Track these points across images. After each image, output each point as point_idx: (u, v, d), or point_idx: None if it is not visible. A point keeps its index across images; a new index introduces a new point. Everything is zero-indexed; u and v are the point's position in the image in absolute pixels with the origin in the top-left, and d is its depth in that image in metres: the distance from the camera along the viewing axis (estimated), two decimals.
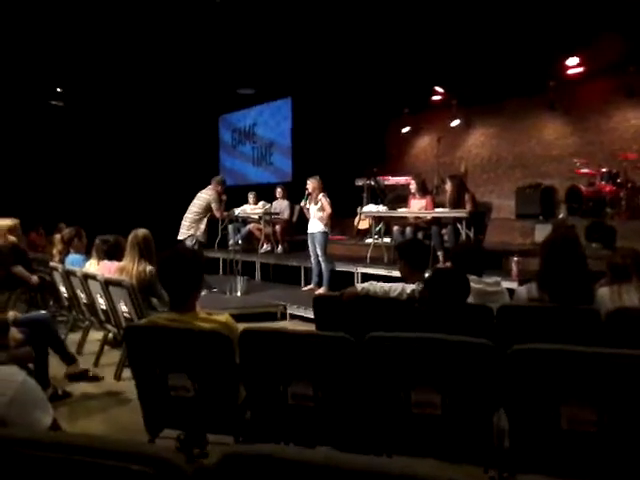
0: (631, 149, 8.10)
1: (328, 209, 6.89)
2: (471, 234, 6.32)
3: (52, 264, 5.34)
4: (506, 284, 4.15)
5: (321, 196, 6.93)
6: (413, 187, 7.26)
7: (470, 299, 2.99)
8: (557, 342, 1.94)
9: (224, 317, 2.52)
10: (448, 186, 6.86)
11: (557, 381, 1.86)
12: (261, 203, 9.33)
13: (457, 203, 6.63)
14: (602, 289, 2.90)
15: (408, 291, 3.04)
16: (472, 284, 3.06)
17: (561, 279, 2.69)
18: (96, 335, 5.08)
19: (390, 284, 3.16)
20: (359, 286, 3.22)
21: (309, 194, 7.02)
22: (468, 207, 6.50)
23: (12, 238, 5.49)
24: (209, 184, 7.45)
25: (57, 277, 5.27)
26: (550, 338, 2.04)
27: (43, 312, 4.36)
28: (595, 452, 1.79)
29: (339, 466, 0.91)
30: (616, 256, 3.09)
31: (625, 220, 7.42)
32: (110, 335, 4.90)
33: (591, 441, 1.78)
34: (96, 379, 4.36)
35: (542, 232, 6.78)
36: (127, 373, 4.10)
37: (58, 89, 10.70)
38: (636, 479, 1.76)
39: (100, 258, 4.85)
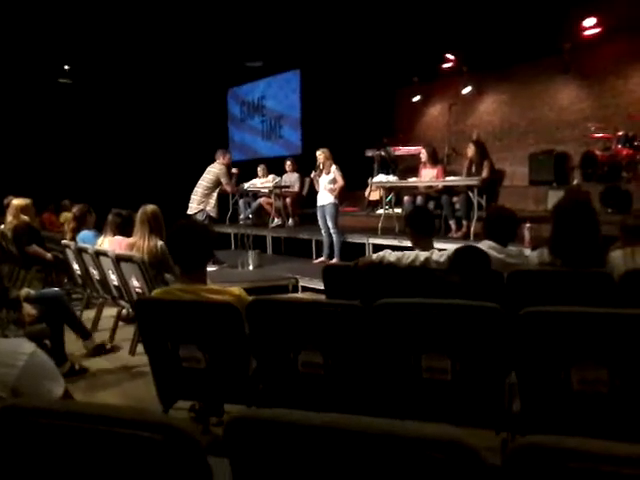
0: None
1: (341, 181, 6.86)
2: (483, 202, 6.25)
3: (64, 242, 5.37)
4: None
5: (334, 168, 6.87)
6: (424, 156, 7.18)
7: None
8: (569, 305, 1.91)
9: (237, 290, 2.53)
10: (470, 150, 6.75)
11: (568, 343, 1.84)
12: (271, 176, 9.29)
13: (477, 168, 6.54)
14: (615, 252, 2.83)
15: (422, 258, 3.01)
16: (494, 253, 3.02)
17: (572, 243, 2.64)
18: (111, 311, 5.13)
19: (404, 252, 3.14)
20: (374, 255, 3.20)
21: (319, 166, 6.96)
22: (485, 173, 6.41)
23: (25, 217, 5.54)
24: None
25: (70, 255, 5.31)
26: (562, 302, 2.02)
27: (56, 289, 4.40)
28: (606, 412, 1.78)
29: (339, 427, 0.91)
30: (629, 218, 3.03)
31: None
32: (124, 311, 4.96)
33: (602, 402, 1.77)
34: (112, 350, 4.50)
35: (554, 199, 6.65)
36: (142, 348, 4.16)
37: (66, 67, 10.66)
38: None
39: (113, 233, 4.85)
